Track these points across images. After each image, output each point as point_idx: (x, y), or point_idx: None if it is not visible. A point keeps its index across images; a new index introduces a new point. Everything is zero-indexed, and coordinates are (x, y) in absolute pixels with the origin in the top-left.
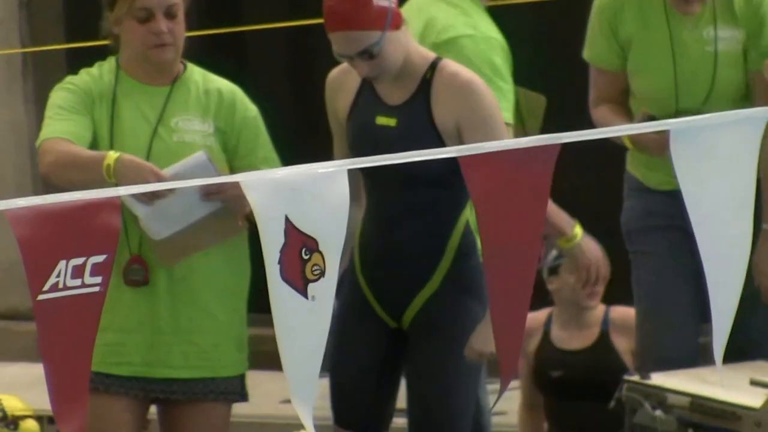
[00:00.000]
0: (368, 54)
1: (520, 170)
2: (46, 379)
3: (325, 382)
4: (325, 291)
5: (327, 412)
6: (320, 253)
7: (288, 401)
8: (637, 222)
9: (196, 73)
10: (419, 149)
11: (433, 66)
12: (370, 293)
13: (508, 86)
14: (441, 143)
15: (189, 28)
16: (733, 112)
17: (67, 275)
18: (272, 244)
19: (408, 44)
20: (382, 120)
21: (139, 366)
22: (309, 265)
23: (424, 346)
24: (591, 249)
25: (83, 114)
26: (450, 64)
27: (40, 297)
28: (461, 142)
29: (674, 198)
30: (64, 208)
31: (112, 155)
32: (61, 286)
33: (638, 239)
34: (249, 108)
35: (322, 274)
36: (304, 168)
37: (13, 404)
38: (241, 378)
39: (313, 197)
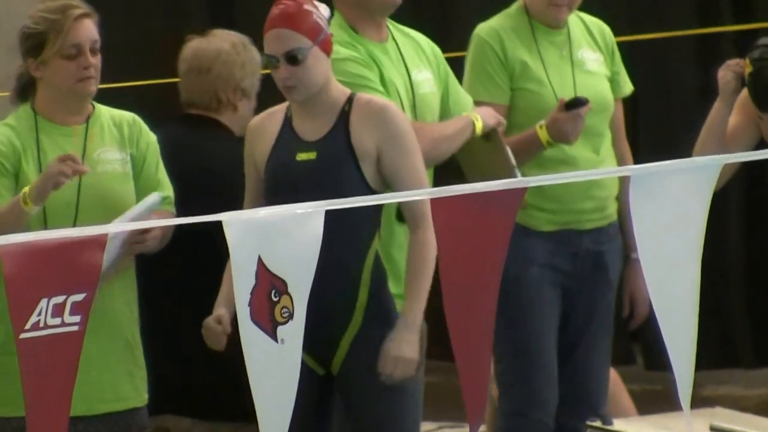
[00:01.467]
0: (294, 58)
1: (485, 212)
2: (27, 419)
3: None
4: (293, 334)
5: None
6: (289, 295)
7: None
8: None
9: (102, 110)
10: (338, 178)
11: (350, 99)
12: None
13: (375, 85)
14: (359, 170)
15: None
16: (689, 159)
17: (48, 313)
18: (244, 285)
19: (329, 75)
20: (302, 156)
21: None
22: (278, 307)
23: (360, 389)
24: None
25: (4, 175)
26: (365, 95)
27: (22, 336)
28: (379, 165)
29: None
30: (50, 245)
31: (26, 188)
32: (42, 324)
33: (516, 289)
34: (150, 134)
35: (291, 317)
36: (284, 208)
37: None
38: (141, 411)
39: (286, 238)
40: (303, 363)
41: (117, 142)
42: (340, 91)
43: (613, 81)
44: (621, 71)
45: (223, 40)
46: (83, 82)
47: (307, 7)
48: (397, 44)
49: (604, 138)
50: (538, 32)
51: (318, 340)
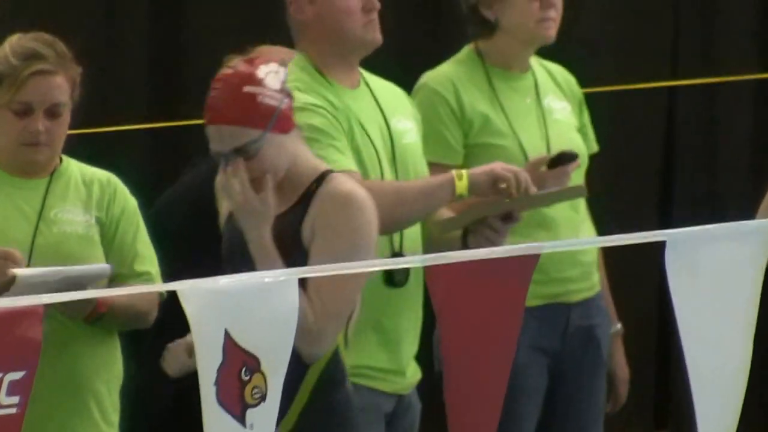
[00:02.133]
0: (245, 152)
1: (491, 282)
2: None
3: None
4: (265, 418)
5: None
6: (262, 373)
7: None
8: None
9: (73, 165)
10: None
11: (321, 177)
12: None
13: (338, 142)
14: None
15: None
16: (737, 223)
17: None
18: (209, 362)
19: (297, 151)
20: None
21: None
22: (249, 387)
23: None
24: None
25: None
26: (338, 177)
27: None
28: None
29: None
30: None
31: None
32: None
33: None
34: (129, 199)
35: (263, 398)
36: (249, 276)
37: None
38: None
39: (258, 309)
40: None
41: (82, 202)
42: (311, 167)
43: (582, 134)
44: (588, 125)
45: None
46: (28, 147)
47: (247, 88)
48: (371, 90)
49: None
50: (497, 78)
51: None
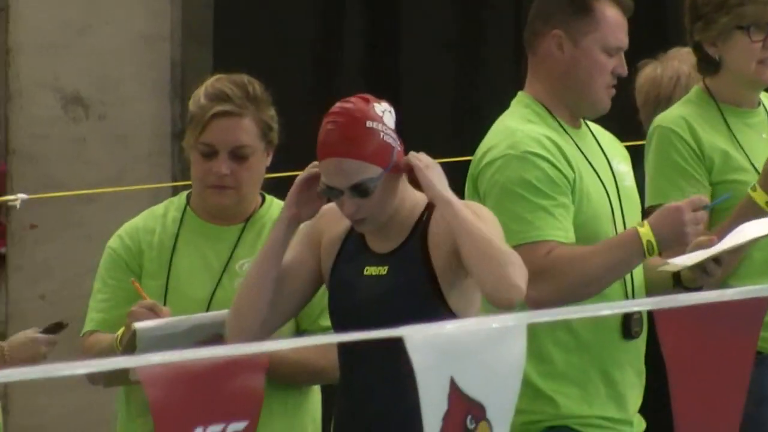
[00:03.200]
0: (362, 190)
1: (722, 327)
2: None
3: None
4: None
5: None
6: (488, 421)
7: None
8: None
9: (276, 207)
10: (409, 295)
11: (430, 206)
12: None
13: (551, 201)
14: (435, 284)
15: None
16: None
17: None
18: (433, 410)
19: (404, 192)
20: (371, 270)
21: None
22: None
23: None
24: None
25: (120, 287)
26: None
27: None
28: (455, 270)
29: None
30: (205, 366)
31: (119, 332)
32: None
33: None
34: None
35: None
36: (476, 322)
37: None
38: None
39: (484, 356)
40: None
41: None
42: (415, 202)
43: None
44: None
45: (681, 61)
46: (213, 190)
47: (370, 124)
48: (592, 132)
49: None
50: (730, 115)
51: None
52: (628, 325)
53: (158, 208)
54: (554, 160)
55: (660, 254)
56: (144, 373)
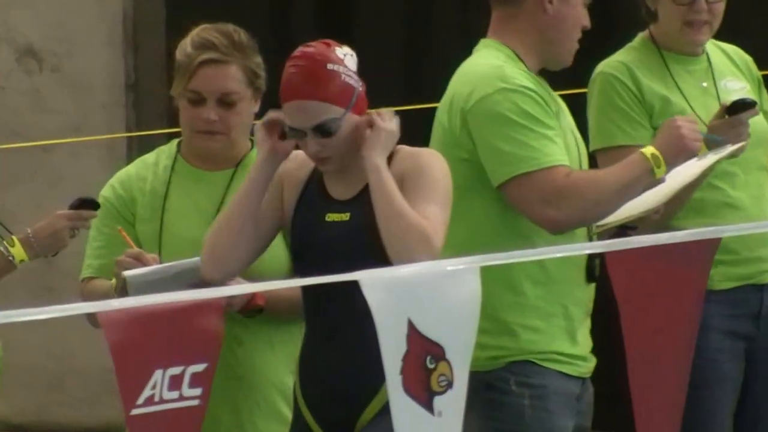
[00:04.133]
0: (325, 130)
1: (672, 267)
2: None
3: None
4: (453, 405)
5: None
6: (447, 361)
7: None
8: None
9: None
10: (373, 238)
11: (391, 154)
12: (311, 417)
13: (551, 131)
14: None
15: None
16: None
17: (163, 387)
18: (393, 352)
19: (366, 135)
20: (333, 217)
21: None
22: (435, 375)
23: None
24: None
25: (114, 234)
26: (406, 147)
27: (134, 411)
28: None
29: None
30: (162, 310)
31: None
32: (157, 399)
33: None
34: None
35: (450, 385)
36: (430, 265)
37: None
38: None
39: (440, 298)
40: None
41: None
42: None
43: (763, 114)
44: None
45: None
46: (202, 135)
47: (331, 66)
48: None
49: (766, 173)
50: (672, 62)
51: (337, 416)
52: (591, 267)
53: (149, 157)
54: (545, 96)
55: (668, 165)
56: (103, 318)
